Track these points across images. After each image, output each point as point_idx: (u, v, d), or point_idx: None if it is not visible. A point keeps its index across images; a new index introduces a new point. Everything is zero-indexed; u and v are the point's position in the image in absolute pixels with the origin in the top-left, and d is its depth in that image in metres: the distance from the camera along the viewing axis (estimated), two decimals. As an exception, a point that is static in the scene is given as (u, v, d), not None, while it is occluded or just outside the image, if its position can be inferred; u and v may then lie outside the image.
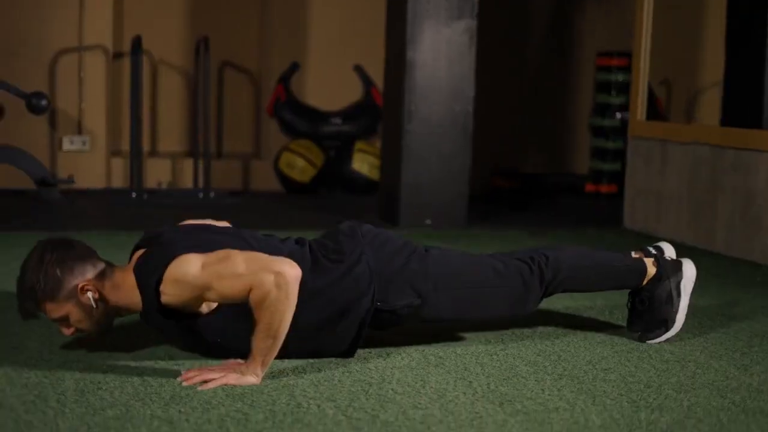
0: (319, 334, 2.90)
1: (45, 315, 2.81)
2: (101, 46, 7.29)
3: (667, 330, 3.23)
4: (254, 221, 5.78)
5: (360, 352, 3.04)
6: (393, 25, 5.94)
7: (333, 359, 2.95)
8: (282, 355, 2.78)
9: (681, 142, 5.60)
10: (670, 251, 3.36)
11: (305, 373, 2.81)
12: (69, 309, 2.78)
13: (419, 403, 2.58)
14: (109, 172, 7.38)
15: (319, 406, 2.53)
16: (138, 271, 2.78)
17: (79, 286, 2.77)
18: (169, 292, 2.71)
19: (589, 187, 7.77)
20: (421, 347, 3.13)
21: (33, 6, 7.14)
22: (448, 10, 5.72)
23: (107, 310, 2.83)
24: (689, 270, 3.26)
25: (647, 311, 3.25)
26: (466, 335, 3.31)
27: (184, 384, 2.66)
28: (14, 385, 2.64)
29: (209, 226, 3.00)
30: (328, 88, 7.74)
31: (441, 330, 3.35)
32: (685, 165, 5.55)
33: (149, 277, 2.74)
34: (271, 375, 2.77)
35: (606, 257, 3.29)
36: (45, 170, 6.61)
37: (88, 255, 2.83)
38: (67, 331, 2.84)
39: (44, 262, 2.76)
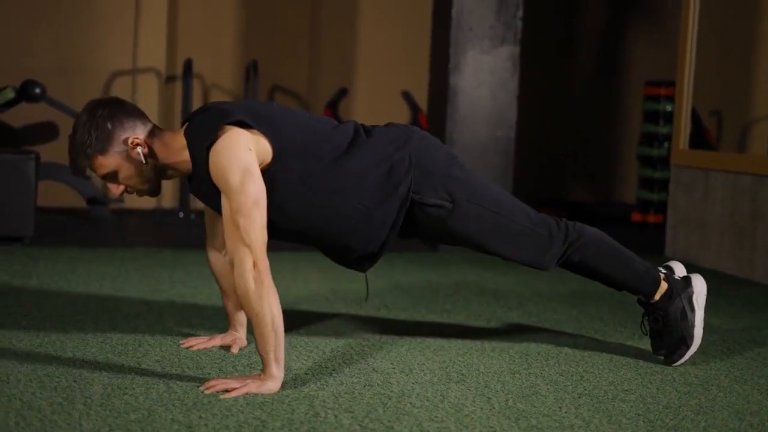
0: (359, 218, 2.98)
1: (95, 172, 2.87)
2: (154, 69, 7.46)
3: (687, 347, 3.24)
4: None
5: (383, 367, 3.09)
6: (436, 51, 6.01)
7: (355, 372, 3.01)
8: (318, 245, 3.01)
9: (723, 171, 5.59)
10: (680, 270, 3.36)
11: (327, 386, 2.86)
12: (119, 163, 2.85)
13: (435, 417, 2.62)
14: (158, 192, 7.51)
15: (336, 417, 2.58)
16: (189, 132, 2.85)
17: (130, 139, 2.84)
18: (212, 162, 2.78)
19: (636, 217, 7.76)
20: (444, 364, 3.17)
21: (89, 28, 7.33)
22: (491, 37, 5.78)
23: (156, 168, 2.90)
24: (698, 284, 3.27)
25: (664, 331, 3.26)
26: (491, 353, 3.34)
27: (206, 392, 2.72)
28: (45, 388, 2.72)
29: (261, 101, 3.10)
30: (376, 114, 7.83)
31: (466, 347, 3.39)
32: (727, 194, 5.54)
33: (200, 138, 2.81)
34: (293, 385, 2.83)
35: (627, 251, 3.31)
36: (95, 189, 6.76)
37: (139, 113, 2.90)
38: (116, 190, 2.91)
39: (95, 116, 2.83)
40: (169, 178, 2.98)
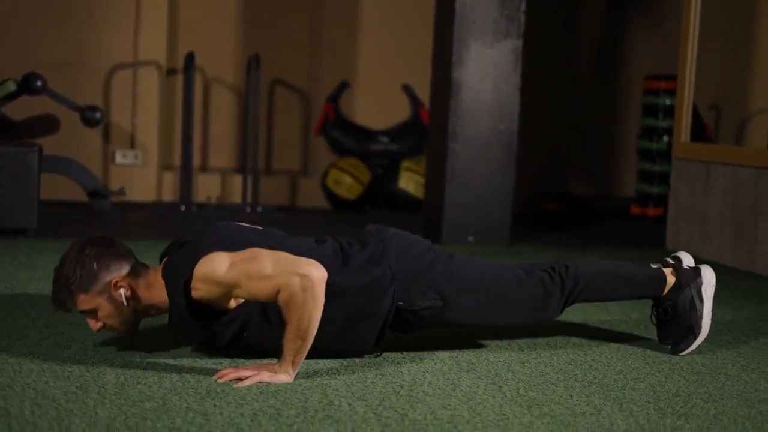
0: (342, 333, 2.96)
1: (76, 306, 2.90)
2: (155, 62, 7.46)
3: (695, 337, 3.26)
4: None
5: (393, 356, 3.11)
6: (439, 45, 6.02)
7: (366, 362, 3.02)
8: (308, 354, 2.84)
9: (724, 164, 5.61)
10: (688, 260, 3.39)
11: (339, 374, 2.88)
12: (100, 303, 2.88)
13: (448, 405, 2.64)
14: (159, 185, 7.53)
15: (350, 405, 2.60)
16: (166, 273, 2.87)
17: (113, 281, 2.87)
18: (201, 288, 2.79)
19: (635, 210, 7.78)
20: (454, 353, 3.19)
21: (90, 22, 7.33)
22: (495, 31, 5.79)
23: (136, 311, 2.92)
24: (708, 275, 3.29)
25: (673, 321, 3.28)
26: (500, 343, 3.36)
27: (219, 381, 2.74)
28: (58, 378, 2.74)
29: (233, 224, 3.07)
30: (377, 107, 7.84)
31: (474, 337, 3.41)
32: (728, 187, 5.56)
33: (177, 278, 2.81)
34: (306, 374, 2.85)
35: (625, 267, 3.34)
36: (97, 182, 6.76)
37: (126, 254, 2.93)
38: (95, 326, 2.93)
39: (83, 255, 2.86)
40: (151, 316, 3.00)
